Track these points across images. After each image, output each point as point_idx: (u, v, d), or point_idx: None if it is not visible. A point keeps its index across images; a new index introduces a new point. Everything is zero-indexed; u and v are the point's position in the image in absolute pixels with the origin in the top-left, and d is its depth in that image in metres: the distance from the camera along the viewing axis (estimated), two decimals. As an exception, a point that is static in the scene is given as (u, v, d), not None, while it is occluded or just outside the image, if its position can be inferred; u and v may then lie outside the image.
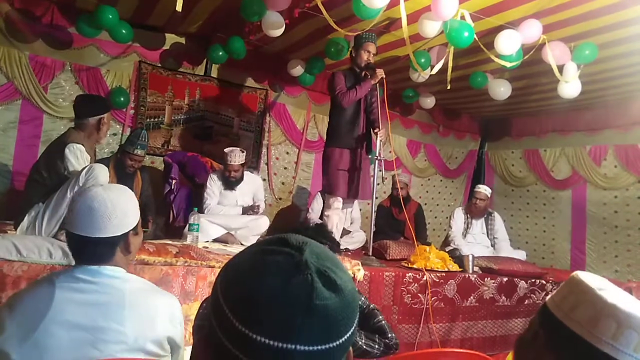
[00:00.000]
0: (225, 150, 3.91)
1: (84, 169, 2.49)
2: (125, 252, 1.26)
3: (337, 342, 0.52)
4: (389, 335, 1.57)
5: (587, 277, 0.85)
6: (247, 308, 0.51)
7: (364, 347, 1.50)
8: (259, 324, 0.50)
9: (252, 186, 4.07)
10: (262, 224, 3.82)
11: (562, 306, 0.84)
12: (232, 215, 3.84)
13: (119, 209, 1.22)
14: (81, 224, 1.19)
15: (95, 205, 1.19)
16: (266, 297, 0.50)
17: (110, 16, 3.78)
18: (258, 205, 3.91)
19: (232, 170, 3.84)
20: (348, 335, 0.54)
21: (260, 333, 0.49)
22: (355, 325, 0.55)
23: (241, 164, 3.89)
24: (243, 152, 3.93)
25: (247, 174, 4.06)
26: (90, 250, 1.20)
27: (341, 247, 3.65)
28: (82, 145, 2.68)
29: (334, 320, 0.51)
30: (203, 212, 3.73)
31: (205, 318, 0.58)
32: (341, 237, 4.09)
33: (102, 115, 2.80)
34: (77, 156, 2.63)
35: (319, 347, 0.50)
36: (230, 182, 3.89)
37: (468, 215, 4.63)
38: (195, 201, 3.98)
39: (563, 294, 0.86)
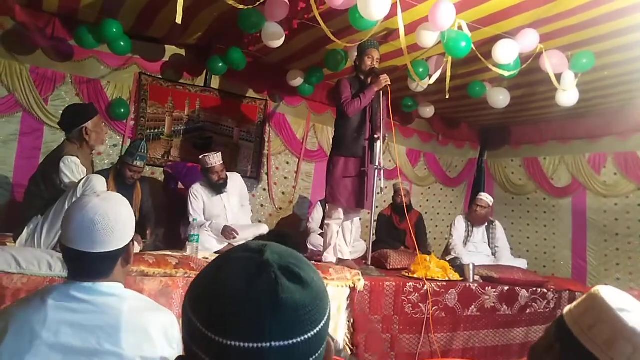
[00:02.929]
0: (200, 157, 3.83)
1: (81, 180, 2.49)
2: (126, 264, 1.23)
3: (312, 333, 0.52)
4: None
5: (609, 295, 0.83)
6: (216, 316, 0.51)
7: None
8: (230, 330, 0.49)
9: (235, 185, 4.01)
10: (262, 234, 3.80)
11: (580, 322, 0.82)
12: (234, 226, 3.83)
13: (121, 220, 1.17)
14: (81, 239, 1.13)
15: (97, 218, 1.13)
16: (232, 301, 0.50)
17: (115, 29, 3.83)
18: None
19: (217, 172, 3.78)
20: (322, 324, 0.53)
21: (233, 338, 0.49)
22: (328, 314, 0.55)
23: (222, 164, 3.82)
24: (217, 152, 3.87)
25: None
26: (90, 266, 1.14)
27: (343, 257, 3.61)
28: (77, 157, 2.67)
29: (304, 312, 0.51)
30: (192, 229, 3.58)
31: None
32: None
33: (82, 126, 2.75)
34: (72, 169, 2.63)
35: (295, 341, 0.50)
36: (218, 186, 3.82)
37: (469, 223, 4.61)
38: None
39: (582, 310, 0.85)
